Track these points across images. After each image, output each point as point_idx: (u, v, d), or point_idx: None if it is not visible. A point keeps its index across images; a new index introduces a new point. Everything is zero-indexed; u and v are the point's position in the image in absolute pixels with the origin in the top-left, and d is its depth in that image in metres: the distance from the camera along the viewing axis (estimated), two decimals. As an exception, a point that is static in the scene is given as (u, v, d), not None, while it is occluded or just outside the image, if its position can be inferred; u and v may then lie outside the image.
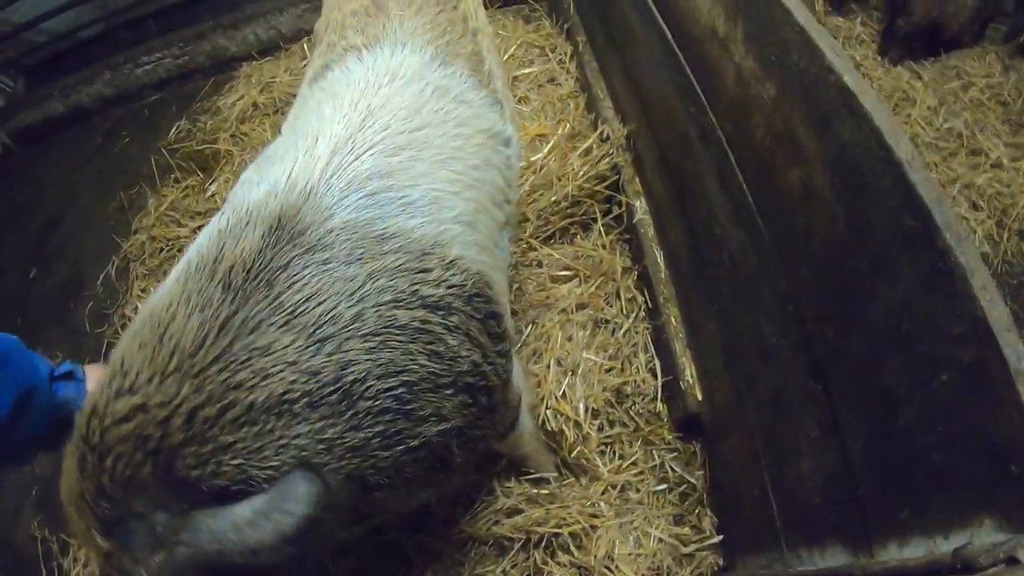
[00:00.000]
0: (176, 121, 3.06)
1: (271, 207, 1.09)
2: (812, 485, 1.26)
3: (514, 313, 2.02)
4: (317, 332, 0.98)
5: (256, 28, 3.16)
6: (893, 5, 2.78)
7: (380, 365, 1.02)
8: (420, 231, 1.13)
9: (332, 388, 0.98)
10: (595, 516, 1.71)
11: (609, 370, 1.91)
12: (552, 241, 2.14)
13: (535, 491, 1.75)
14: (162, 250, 2.60)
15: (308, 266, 1.02)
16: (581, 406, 1.84)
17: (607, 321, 1.97)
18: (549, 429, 1.83)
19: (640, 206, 2.04)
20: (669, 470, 1.82)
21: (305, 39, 3.10)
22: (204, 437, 0.92)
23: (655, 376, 1.90)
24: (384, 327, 1.03)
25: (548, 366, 1.90)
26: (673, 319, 1.87)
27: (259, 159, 1.32)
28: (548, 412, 1.85)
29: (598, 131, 2.21)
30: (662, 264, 1.93)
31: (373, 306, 1.03)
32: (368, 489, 1.07)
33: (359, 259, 1.05)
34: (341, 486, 1.02)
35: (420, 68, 1.38)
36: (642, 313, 1.97)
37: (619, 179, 2.12)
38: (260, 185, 1.17)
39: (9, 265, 3.00)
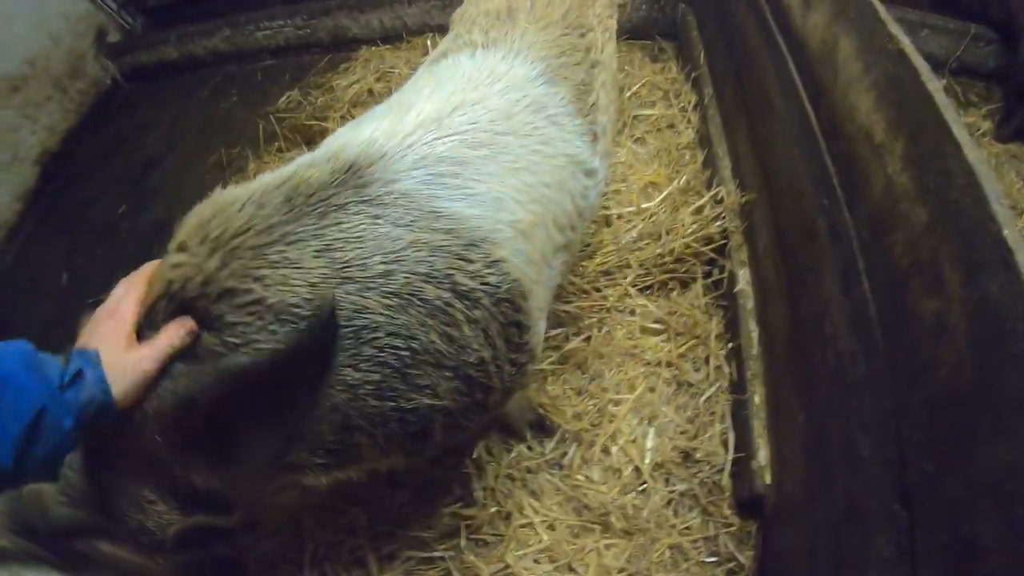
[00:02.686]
0: (288, 91, 3.24)
1: (348, 154, 1.25)
2: (873, 603, 1.33)
3: (600, 356, 2.15)
4: (345, 271, 1.13)
5: (382, 15, 3.32)
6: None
7: (394, 323, 1.15)
8: (474, 222, 1.25)
9: (342, 323, 1.13)
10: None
11: (683, 431, 2.01)
12: (649, 292, 2.25)
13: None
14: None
15: (360, 214, 1.17)
16: (648, 457, 1.96)
17: (690, 384, 2.08)
18: (613, 465, 1.96)
19: (743, 276, 2.14)
20: (722, 544, 1.90)
21: (428, 34, 3.27)
22: (214, 304, 1.09)
23: (726, 449, 2.00)
24: (409, 293, 1.16)
25: (626, 412, 2.03)
26: (757, 398, 1.97)
27: (357, 119, 1.50)
28: (616, 450, 1.98)
29: (713, 191, 2.32)
30: (755, 340, 2.03)
31: (406, 271, 1.15)
32: (350, 429, 1.21)
33: (408, 225, 1.18)
34: (326, 413, 1.17)
35: (524, 79, 1.52)
36: (726, 384, 2.07)
37: (727, 245, 2.23)
38: (346, 136, 1.36)
39: (102, 195, 3.21)
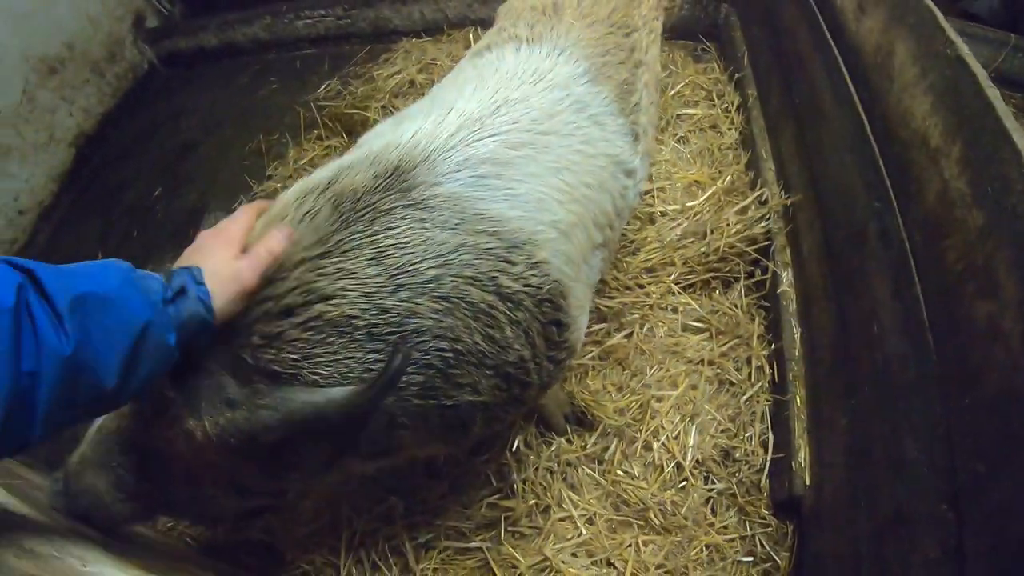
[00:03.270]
0: (327, 79, 3.33)
1: (391, 157, 1.28)
2: (918, 605, 1.38)
3: (641, 353, 2.22)
4: (397, 277, 1.16)
5: (423, 7, 3.40)
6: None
7: (441, 326, 1.19)
8: (517, 223, 1.29)
9: (393, 329, 1.16)
10: (684, 573, 1.88)
11: (724, 430, 2.08)
12: (692, 291, 2.31)
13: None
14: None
15: (407, 218, 1.20)
16: (689, 453, 2.03)
17: (732, 383, 2.15)
18: (654, 461, 2.03)
19: (786, 278, 2.21)
20: (759, 544, 1.96)
21: (470, 27, 3.34)
22: (274, 324, 1.13)
23: (766, 449, 2.06)
24: (456, 296, 1.20)
25: (668, 408, 2.10)
26: (798, 399, 2.03)
27: (397, 115, 1.54)
28: (657, 446, 2.05)
29: (757, 192, 2.38)
30: (798, 342, 2.10)
31: (453, 275, 1.19)
32: (394, 426, 1.27)
33: (454, 228, 1.22)
34: (375, 415, 1.22)
35: (567, 77, 1.55)
36: (767, 384, 2.13)
37: (771, 246, 2.29)
38: (388, 136, 1.38)
39: (138, 178, 3.31)
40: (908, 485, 1.50)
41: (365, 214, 1.20)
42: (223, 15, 3.59)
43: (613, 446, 2.04)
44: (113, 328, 0.91)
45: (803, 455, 1.95)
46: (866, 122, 1.85)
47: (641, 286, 2.30)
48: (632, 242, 2.37)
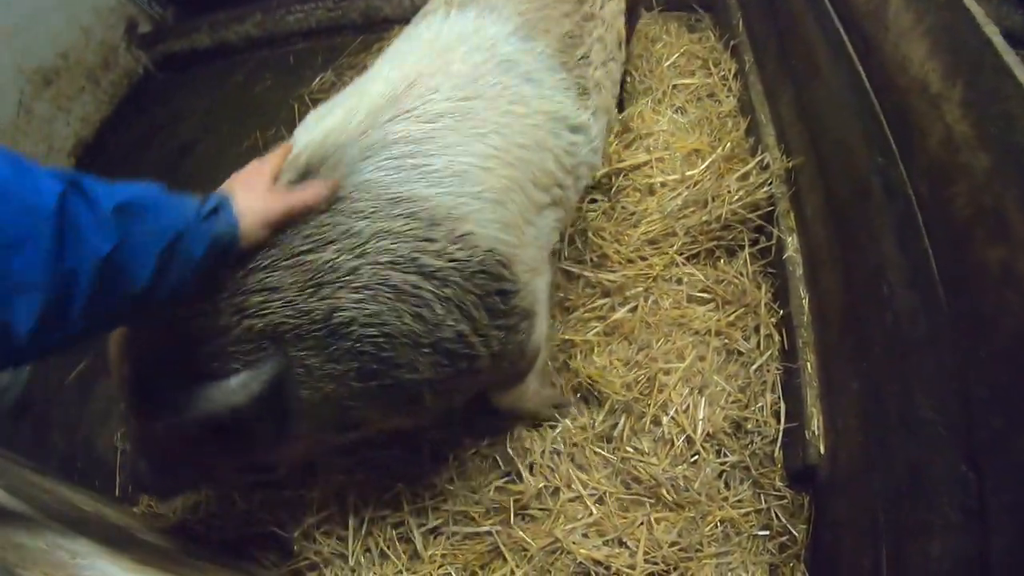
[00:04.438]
0: (321, 72, 3.28)
1: (302, 159, 1.29)
2: (938, 569, 1.32)
3: (647, 326, 2.16)
4: (316, 278, 1.20)
5: (414, -6, 3.36)
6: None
7: (366, 315, 1.22)
8: (435, 201, 1.27)
9: (320, 326, 1.21)
10: (698, 550, 1.82)
11: (735, 401, 2.01)
12: (695, 261, 2.24)
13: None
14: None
15: (319, 214, 1.22)
16: (699, 426, 1.96)
17: (740, 353, 2.07)
18: (664, 436, 1.96)
19: (791, 243, 2.13)
20: (774, 517, 1.89)
21: (461, 11, 3.29)
22: (215, 341, 1.19)
23: (778, 419, 1.98)
24: (376, 283, 1.21)
25: (676, 381, 2.03)
26: (809, 366, 1.96)
27: (328, 102, 1.50)
28: (667, 421, 1.98)
29: (758, 158, 2.30)
30: (806, 307, 2.02)
31: (371, 264, 1.21)
32: (344, 408, 1.33)
33: (368, 217, 1.22)
34: (322, 401, 1.29)
35: (494, 38, 1.49)
36: (776, 353, 2.05)
37: (774, 211, 2.22)
38: (305, 134, 1.38)
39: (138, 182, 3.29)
40: (924, 446, 1.43)
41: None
42: (214, 15, 3.55)
43: (621, 422, 1.98)
44: (150, 234, 0.97)
45: (816, 423, 1.88)
46: (863, 73, 1.77)
47: (643, 258, 2.23)
48: (633, 214, 2.30)
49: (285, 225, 1.21)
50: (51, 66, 3.31)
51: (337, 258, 1.20)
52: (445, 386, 1.41)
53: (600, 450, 1.98)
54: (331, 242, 1.21)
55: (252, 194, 1.19)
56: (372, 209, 1.23)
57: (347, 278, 1.20)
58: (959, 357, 1.33)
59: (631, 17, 2.22)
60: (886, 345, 1.60)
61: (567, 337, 2.14)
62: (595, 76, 1.66)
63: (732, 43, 2.81)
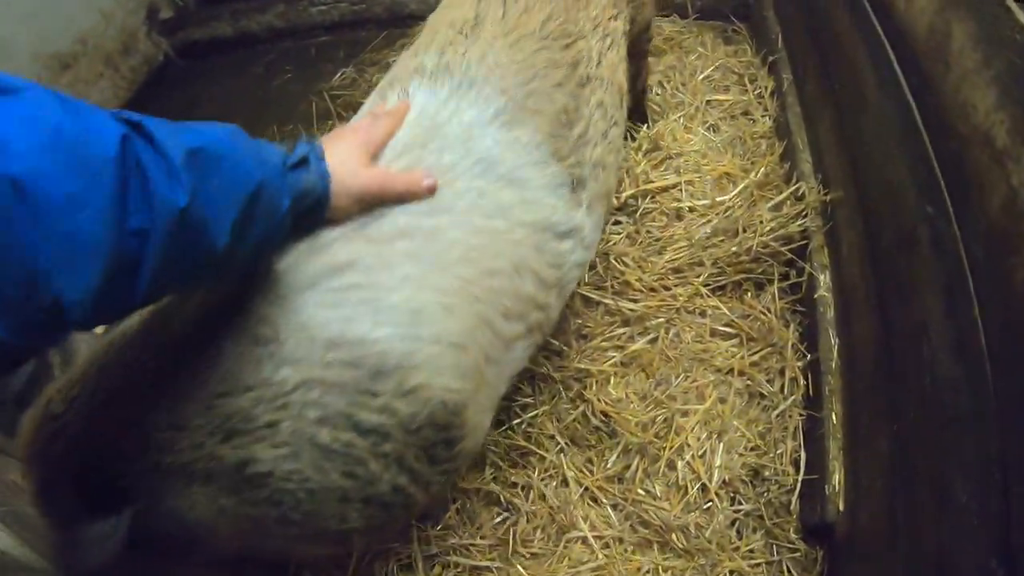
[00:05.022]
0: (342, 67, 3.16)
1: (244, 286, 1.08)
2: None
3: (667, 360, 2.04)
4: (227, 424, 1.01)
5: (438, -11, 3.21)
6: None
7: (285, 470, 1.03)
8: (383, 345, 1.05)
9: (231, 472, 1.03)
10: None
11: (753, 447, 1.89)
12: (721, 293, 2.11)
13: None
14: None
15: (243, 356, 1.02)
16: (715, 474, 1.84)
17: (763, 396, 1.94)
18: (677, 482, 1.84)
19: (823, 281, 1.99)
20: (786, 570, 1.77)
21: (488, 9, 3.15)
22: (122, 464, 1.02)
23: (797, 469, 1.86)
24: (300, 440, 1.02)
25: (695, 424, 1.91)
26: (835, 416, 1.82)
27: None
28: (682, 465, 1.86)
29: (793, 187, 2.16)
30: (835, 353, 1.89)
31: (293, 418, 1.01)
32: (268, 540, 1.16)
33: (295, 363, 1.01)
34: (240, 535, 1.11)
35: (470, 127, 1.26)
36: (801, 398, 1.92)
37: (807, 245, 2.08)
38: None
39: (153, 173, 3.20)
40: (954, 530, 1.30)
41: (193, 352, 1.04)
42: (237, 3, 3.43)
43: (635, 465, 1.86)
44: (227, 184, 0.84)
45: (838, 478, 1.75)
46: (916, 112, 1.62)
47: (667, 288, 2.10)
48: (658, 240, 2.17)
49: (375, 206, 1.11)
50: (69, 51, 3.20)
51: (253, 408, 1.01)
52: (378, 530, 1.24)
53: (611, 490, 1.87)
54: (248, 388, 1.01)
55: (350, 158, 1.08)
56: (303, 354, 1.02)
57: (263, 431, 1.01)
58: (1003, 443, 1.20)
59: (636, 55, 2.02)
60: (922, 411, 1.47)
61: (582, 366, 2.02)
62: (595, 155, 1.42)
63: (770, 59, 2.66)
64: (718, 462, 1.84)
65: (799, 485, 1.84)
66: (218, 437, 1.01)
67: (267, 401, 1.01)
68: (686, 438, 1.86)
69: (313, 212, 1.03)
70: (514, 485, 1.93)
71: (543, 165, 1.30)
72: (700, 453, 1.85)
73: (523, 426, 2.00)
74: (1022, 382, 1.18)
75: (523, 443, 1.96)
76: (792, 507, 1.83)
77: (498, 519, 1.88)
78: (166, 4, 3.54)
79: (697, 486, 1.82)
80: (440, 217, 1.15)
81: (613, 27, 1.62)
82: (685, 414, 1.90)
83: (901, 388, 1.56)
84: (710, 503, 1.82)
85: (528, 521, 1.85)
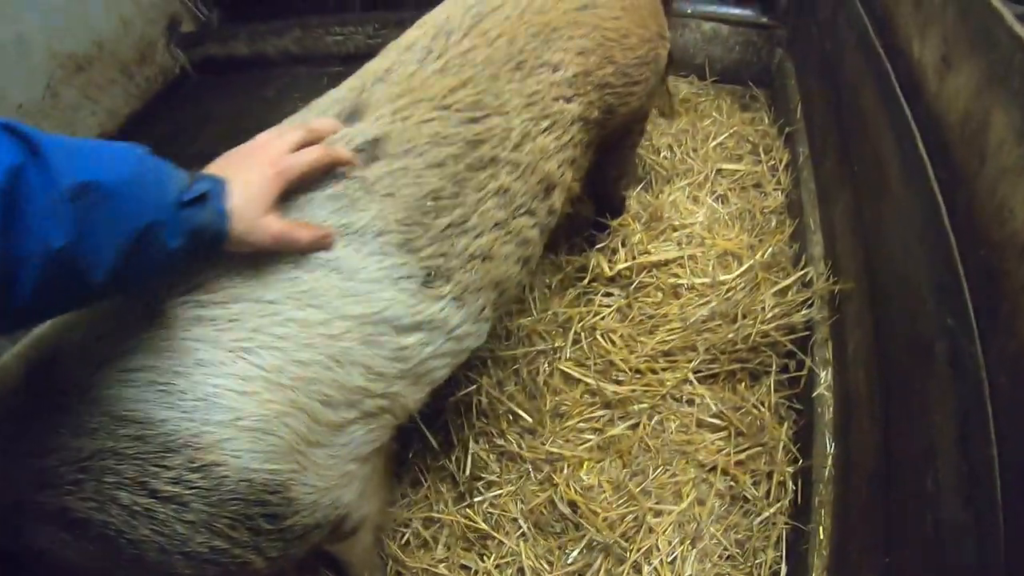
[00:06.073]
0: (351, 101, 3.02)
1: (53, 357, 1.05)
2: None
3: (647, 449, 1.80)
4: (42, 478, 0.99)
5: (457, 29, 3.07)
6: None
7: (100, 520, 1.01)
8: (169, 426, 1.01)
9: (57, 516, 1.00)
10: None
11: (729, 557, 1.65)
12: (711, 382, 1.89)
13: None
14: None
15: (48, 428, 0.99)
16: (684, 584, 1.61)
17: (746, 500, 1.70)
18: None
19: (824, 379, 1.76)
20: None
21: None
22: None
23: (777, 582, 1.63)
24: (104, 499, 1.00)
25: (668, 526, 1.67)
26: (822, 532, 1.59)
27: None
28: (647, 570, 1.62)
29: (801, 272, 1.95)
30: (830, 461, 1.65)
31: (94, 479, 1.00)
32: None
33: (90, 434, 1.00)
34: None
35: (302, 204, 1.13)
36: (788, 505, 1.69)
37: (811, 337, 1.86)
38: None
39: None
40: None
41: (10, 421, 1.02)
42: (255, 23, 3.30)
43: (598, 564, 1.63)
44: (112, 224, 0.82)
45: (822, 601, 1.51)
46: (943, 208, 1.40)
47: (654, 371, 1.88)
48: (651, 318, 1.95)
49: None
50: (85, 53, 3.09)
51: (59, 467, 0.99)
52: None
53: (570, 588, 1.64)
54: (52, 451, 0.99)
55: (259, 194, 1.01)
56: (95, 426, 1.00)
57: (71, 487, 0.99)
58: None
59: (616, 148, 1.83)
60: (922, 554, 1.23)
61: (554, 449, 1.79)
62: (475, 246, 1.27)
63: (787, 130, 2.45)
64: (688, 571, 1.59)
65: (776, 603, 1.60)
66: (34, 487, 1.00)
67: (69, 463, 1.00)
68: (656, 540, 1.62)
69: (210, 246, 0.99)
70: (465, 569, 1.71)
71: (383, 255, 1.16)
72: (670, 559, 1.61)
73: (484, 505, 1.78)
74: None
75: (482, 525, 1.73)
76: (769, 626, 1.60)
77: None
78: (189, 17, 3.42)
79: (663, 598, 1.58)
80: (240, 305, 1.06)
81: (558, 109, 1.41)
82: (658, 514, 1.67)
83: (898, 521, 1.33)
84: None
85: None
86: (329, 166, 1.14)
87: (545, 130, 1.38)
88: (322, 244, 1.11)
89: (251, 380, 1.05)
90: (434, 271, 1.22)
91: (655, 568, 1.60)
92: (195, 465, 1.02)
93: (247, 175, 1.03)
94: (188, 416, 1.01)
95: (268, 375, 1.06)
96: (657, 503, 1.68)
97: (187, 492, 1.02)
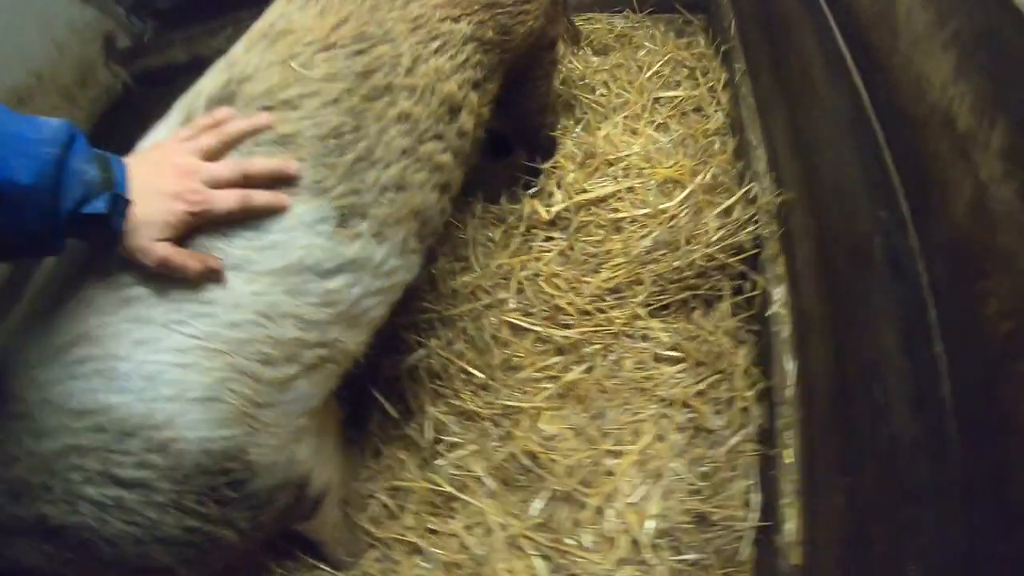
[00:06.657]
0: (289, 87, 2.86)
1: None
2: None
3: (603, 391, 1.66)
4: (14, 489, 0.99)
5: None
6: None
7: (75, 522, 1.00)
8: (122, 411, 0.99)
9: (35, 526, 1.00)
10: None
11: (696, 491, 1.51)
12: (665, 313, 1.73)
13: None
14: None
15: (6, 430, 0.99)
16: (651, 524, 1.46)
17: (710, 431, 1.56)
18: (607, 535, 1.48)
19: (778, 296, 1.60)
20: None
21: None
22: None
23: (749, 509, 1.49)
24: (73, 498, 1.00)
25: (627, 467, 1.54)
26: (789, 454, 1.44)
27: None
28: (611, 513, 1.50)
29: (744, 188, 1.77)
30: (791, 380, 1.50)
31: (61, 480, 0.99)
32: None
33: (51, 434, 0.98)
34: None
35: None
36: (754, 431, 1.54)
37: (760, 254, 1.69)
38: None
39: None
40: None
41: None
42: (189, 30, 3.13)
43: (562, 512, 1.50)
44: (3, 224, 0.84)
45: (791, 528, 1.36)
46: (866, 99, 1.23)
47: (602, 311, 1.73)
48: (594, 256, 1.79)
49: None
50: (24, 85, 2.90)
51: (26, 475, 0.99)
52: (200, 563, 1.13)
53: (538, 539, 1.51)
54: (17, 459, 0.99)
55: (147, 226, 0.96)
56: (54, 426, 0.98)
57: (40, 492, 0.99)
58: (969, 538, 0.82)
59: (531, 79, 1.73)
60: (878, 470, 1.09)
61: (511, 404, 1.66)
62: (385, 177, 1.19)
63: (723, 48, 2.26)
64: (653, 510, 1.46)
65: (751, 531, 1.47)
66: (7, 497, 1.00)
67: (36, 469, 0.99)
68: (617, 483, 1.49)
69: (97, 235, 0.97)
70: (434, 533, 1.59)
71: (300, 201, 1.10)
72: (634, 500, 1.48)
73: (448, 468, 1.66)
74: (995, 455, 0.79)
75: (447, 487, 1.61)
76: (745, 556, 1.46)
77: (418, 572, 1.54)
78: (123, 33, 3.24)
79: (628, 540, 1.45)
80: (163, 278, 1.02)
81: (447, 29, 1.31)
82: (617, 455, 1.53)
83: (854, 437, 1.18)
84: (647, 556, 1.45)
85: (449, 574, 1.51)
86: (250, 211, 1.06)
87: (436, 51, 1.29)
88: (212, 278, 1.04)
89: (189, 351, 1.02)
90: (348, 210, 1.15)
91: (618, 511, 1.47)
92: (153, 445, 1.01)
93: (150, 198, 0.98)
94: (138, 397, 1.00)
95: (203, 343, 1.03)
96: (615, 444, 1.55)
97: (151, 474, 1.02)
